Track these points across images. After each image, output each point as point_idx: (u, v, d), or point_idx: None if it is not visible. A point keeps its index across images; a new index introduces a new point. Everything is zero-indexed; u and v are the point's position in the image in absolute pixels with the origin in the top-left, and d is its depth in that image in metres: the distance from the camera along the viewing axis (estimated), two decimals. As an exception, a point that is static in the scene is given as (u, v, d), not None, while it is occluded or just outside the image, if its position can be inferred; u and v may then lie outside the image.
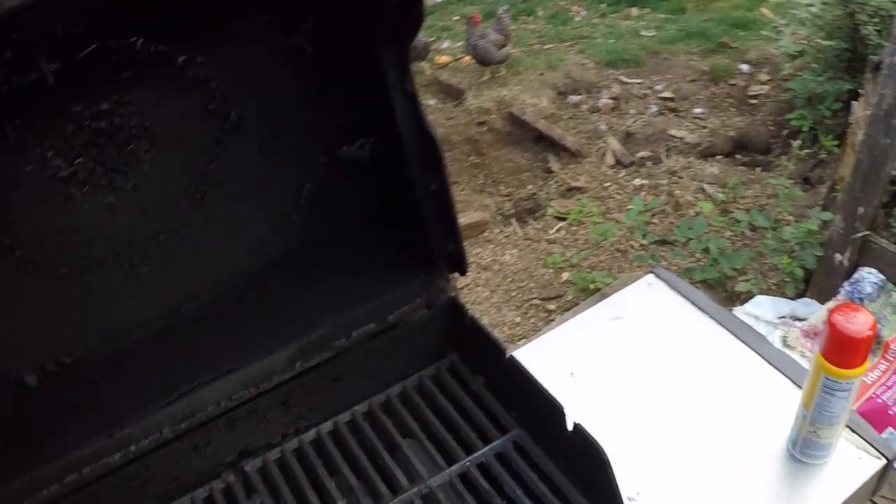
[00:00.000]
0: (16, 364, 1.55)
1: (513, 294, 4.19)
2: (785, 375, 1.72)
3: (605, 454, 1.31)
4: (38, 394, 1.57)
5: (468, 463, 1.53)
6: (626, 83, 5.68)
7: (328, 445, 1.60)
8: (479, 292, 4.22)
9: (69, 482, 1.45)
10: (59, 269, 1.44)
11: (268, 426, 1.59)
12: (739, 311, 3.52)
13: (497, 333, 3.98)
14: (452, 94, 5.66)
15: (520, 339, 3.79)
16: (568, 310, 3.98)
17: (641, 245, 4.27)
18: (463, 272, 1.62)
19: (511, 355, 1.52)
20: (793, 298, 3.67)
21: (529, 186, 4.96)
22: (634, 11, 6.87)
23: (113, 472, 1.49)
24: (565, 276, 4.20)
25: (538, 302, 4.11)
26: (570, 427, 1.38)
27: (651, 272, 1.98)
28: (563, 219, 4.57)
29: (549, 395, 1.43)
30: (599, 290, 3.96)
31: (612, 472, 1.32)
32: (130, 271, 1.51)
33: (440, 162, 1.45)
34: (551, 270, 4.24)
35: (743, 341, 1.79)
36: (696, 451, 1.61)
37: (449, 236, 1.55)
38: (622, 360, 1.80)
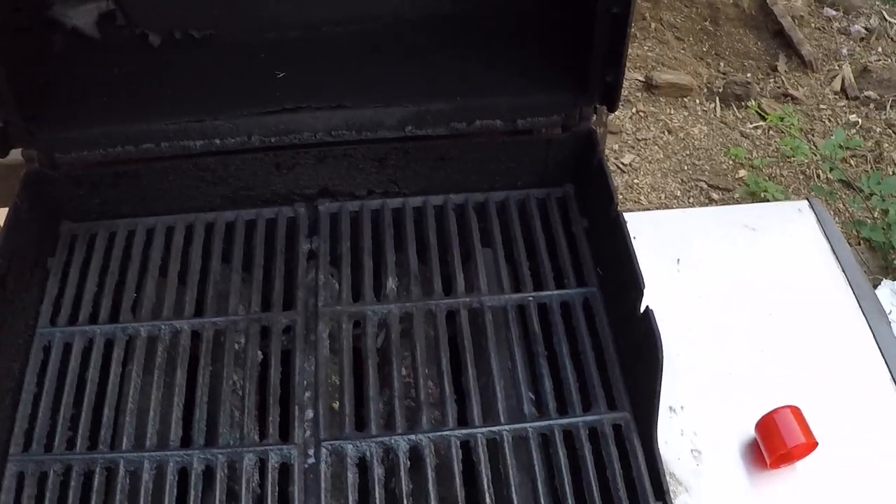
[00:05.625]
0: (147, 21, 1.50)
1: (685, 168, 3.96)
2: (886, 364, 1.47)
3: (660, 352, 1.15)
4: (155, 56, 1.52)
5: (531, 298, 1.40)
6: (889, 21, 5.13)
7: (406, 221, 1.49)
8: (654, 152, 4.01)
9: (145, 149, 1.42)
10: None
11: (357, 176, 1.48)
12: (886, 286, 3.20)
13: (653, 198, 3.82)
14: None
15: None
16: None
17: (827, 178, 3.95)
18: (612, 108, 1.45)
19: (620, 212, 1.35)
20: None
21: (748, 74, 4.61)
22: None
23: (190, 156, 1.44)
24: (742, 173, 3.94)
25: (705, 186, 3.88)
26: (641, 309, 1.23)
27: (807, 200, 1.74)
28: (765, 119, 4.25)
29: (637, 268, 1.26)
30: (768, 201, 3.71)
31: (660, 374, 1.16)
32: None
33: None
34: (731, 162, 3.98)
35: (862, 310, 1.54)
36: (759, 389, 1.41)
37: (611, 66, 1.38)
38: (733, 270, 1.60)
